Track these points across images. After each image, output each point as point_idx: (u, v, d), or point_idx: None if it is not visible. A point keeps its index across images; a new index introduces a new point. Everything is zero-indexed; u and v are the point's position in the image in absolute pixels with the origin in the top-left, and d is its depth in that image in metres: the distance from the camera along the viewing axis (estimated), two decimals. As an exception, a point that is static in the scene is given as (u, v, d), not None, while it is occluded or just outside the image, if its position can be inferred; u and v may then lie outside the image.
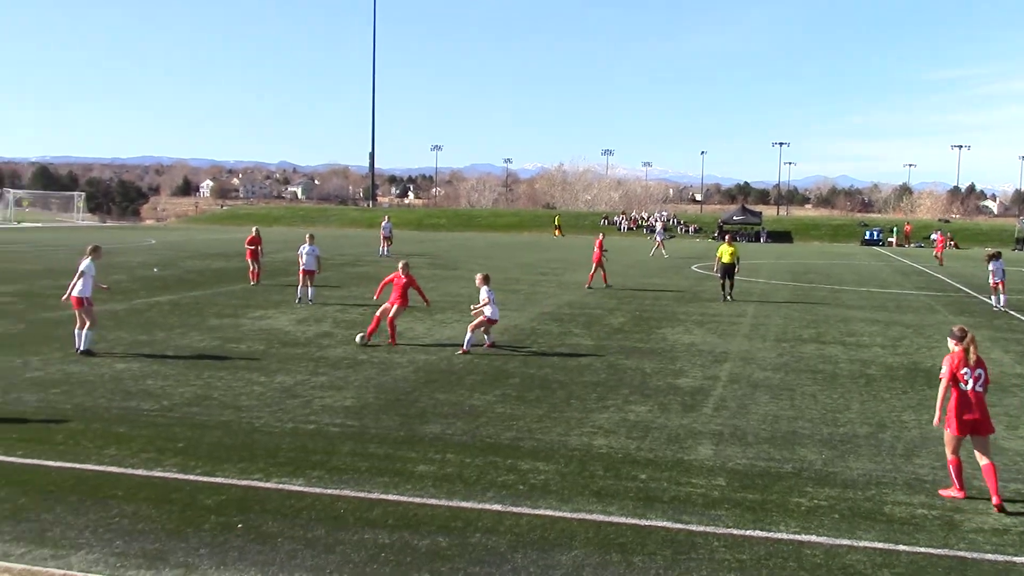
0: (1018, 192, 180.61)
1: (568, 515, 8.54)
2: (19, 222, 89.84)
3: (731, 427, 12.05)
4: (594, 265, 31.77)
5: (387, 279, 18.79)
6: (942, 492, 9.44)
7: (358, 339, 17.97)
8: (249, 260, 29.76)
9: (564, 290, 30.18)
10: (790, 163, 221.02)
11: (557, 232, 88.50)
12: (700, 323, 22.54)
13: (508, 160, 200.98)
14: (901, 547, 7.94)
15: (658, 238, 56.15)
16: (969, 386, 9.34)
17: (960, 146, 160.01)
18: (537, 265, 42.70)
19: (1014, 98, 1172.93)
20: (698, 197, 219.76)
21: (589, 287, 31.08)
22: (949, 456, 9.48)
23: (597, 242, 32.73)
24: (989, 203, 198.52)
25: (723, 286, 28.14)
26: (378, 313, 18.42)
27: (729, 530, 8.26)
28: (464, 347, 17.34)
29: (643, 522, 8.40)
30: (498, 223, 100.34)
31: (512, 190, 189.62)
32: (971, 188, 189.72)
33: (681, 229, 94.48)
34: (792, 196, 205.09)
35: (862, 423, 12.46)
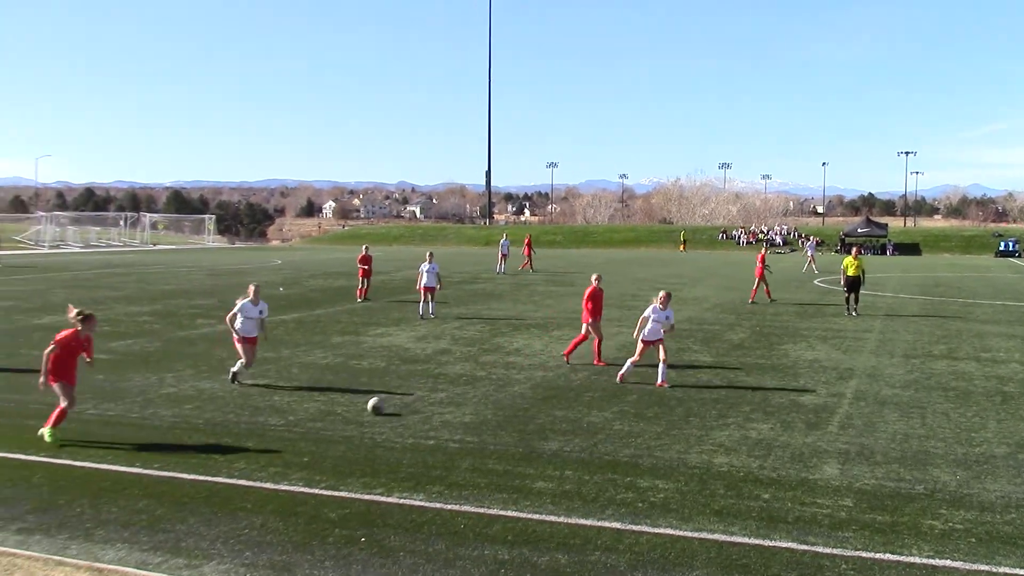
0: None
1: (689, 534, 8.40)
2: (155, 244, 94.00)
3: (858, 446, 11.67)
4: (756, 279, 31.76)
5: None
6: None
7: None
8: (361, 278, 30.63)
9: (683, 305, 29.80)
10: (917, 172, 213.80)
11: (683, 247, 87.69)
12: (824, 339, 21.96)
13: (623, 176, 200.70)
14: (1044, 574, 7.54)
15: (809, 252, 54.50)
16: None
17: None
18: (655, 280, 42.31)
19: None
20: (819, 209, 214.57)
21: (752, 301, 31.11)
22: None
23: (759, 257, 32.72)
24: None
25: (847, 300, 27.42)
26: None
27: (858, 552, 7.98)
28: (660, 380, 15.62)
29: (767, 543, 8.20)
30: (614, 239, 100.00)
31: (628, 205, 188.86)
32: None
33: (801, 242, 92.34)
34: (920, 207, 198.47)
35: (999, 443, 11.90)
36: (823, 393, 15.15)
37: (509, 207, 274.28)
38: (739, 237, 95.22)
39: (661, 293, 16.07)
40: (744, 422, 12.96)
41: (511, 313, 27.04)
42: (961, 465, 10.82)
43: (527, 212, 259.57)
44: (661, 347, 15.79)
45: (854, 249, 30.15)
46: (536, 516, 8.87)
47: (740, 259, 68.79)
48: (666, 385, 15.45)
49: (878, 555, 7.92)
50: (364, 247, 32.26)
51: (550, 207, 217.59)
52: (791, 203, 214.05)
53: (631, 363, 15.91)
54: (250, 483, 9.90)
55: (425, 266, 25.86)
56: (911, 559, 7.84)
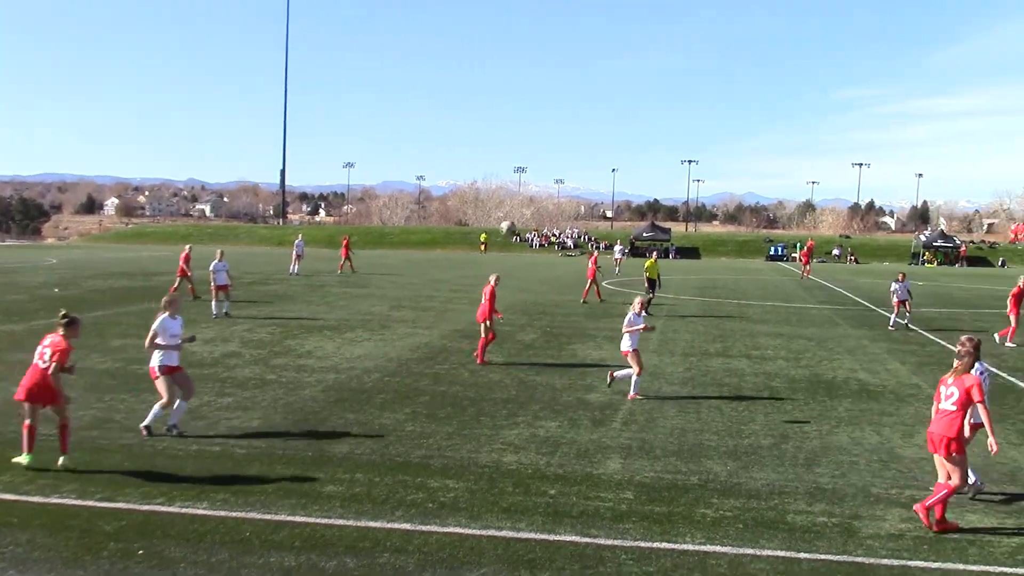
0: (915, 208, 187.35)
1: (477, 532, 8.54)
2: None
3: (639, 441, 12.20)
4: (588, 281, 33.10)
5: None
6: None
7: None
8: (181, 278, 30.49)
9: (476, 307, 30.15)
10: (698, 180, 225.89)
11: (483, 248, 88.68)
12: (610, 339, 22.77)
13: (421, 177, 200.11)
14: (802, 555, 8.15)
15: (618, 255, 56.49)
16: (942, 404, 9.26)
17: (860, 164, 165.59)
18: (451, 282, 42.64)
19: (911, 118, 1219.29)
20: (609, 214, 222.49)
21: (584, 301, 32.37)
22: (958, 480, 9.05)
23: (592, 259, 34.48)
24: (887, 219, 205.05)
25: (649, 300, 28.70)
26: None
27: (636, 543, 8.36)
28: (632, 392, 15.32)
29: (552, 537, 8.45)
30: (411, 240, 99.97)
31: (425, 207, 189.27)
32: (871, 204, 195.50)
33: (592, 246, 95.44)
34: (700, 213, 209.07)
35: (766, 434, 12.74)
36: (608, 391, 15.72)
37: (304, 207, 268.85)
38: (532, 240, 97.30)
39: (637, 299, 16.33)
40: (533, 421, 13.29)
41: (304, 314, 26.58)
42: (731, 456, 11.51)
43: (322, 212, 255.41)
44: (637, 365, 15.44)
45: (653, 253, 32.08)
46: (325, 520, 8.78)
47: (534, 261, 70.36)
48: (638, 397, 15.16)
49: (655, 544, 8.33)
50: (187, 247, 31.90)
51: (346, 207, 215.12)
52: (582, 207, 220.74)
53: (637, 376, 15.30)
54: (16, 497, 9.29)
55: (216, 264, 25.76)
56: (685, 546, 8.29)
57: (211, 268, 25.78)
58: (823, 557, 8.11)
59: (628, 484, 10.22)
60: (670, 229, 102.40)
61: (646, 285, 30.26)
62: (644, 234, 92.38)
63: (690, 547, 8.29)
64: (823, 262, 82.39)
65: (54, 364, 10.34)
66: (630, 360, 15.40)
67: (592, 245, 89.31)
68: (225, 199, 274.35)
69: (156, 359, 11.92)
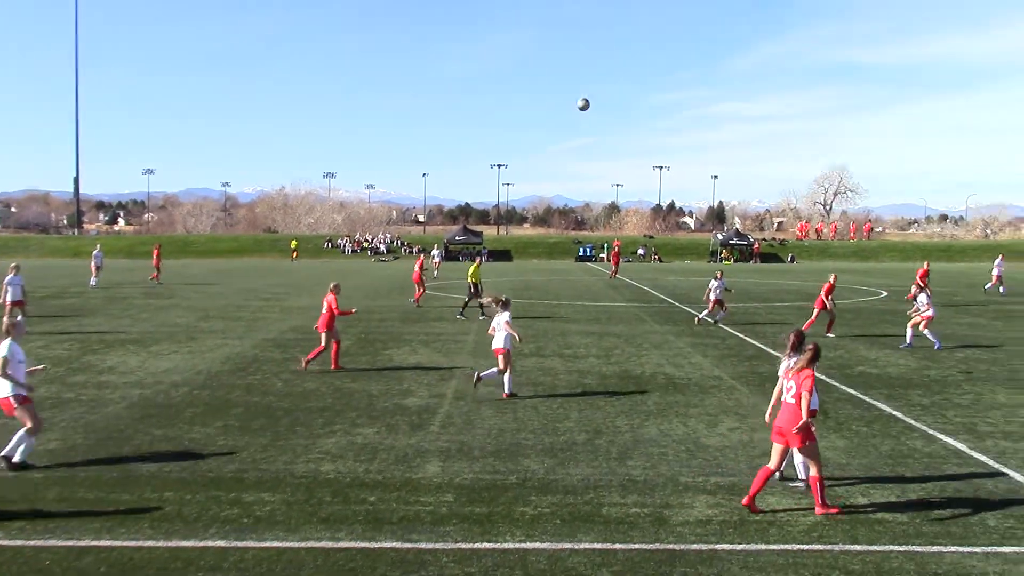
0: (711, 209, 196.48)
1: (296, 545, 8.37)
2: None
3: (458, 443, 12.27)
4: (416, 284, 34.08)
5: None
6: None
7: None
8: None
9: (288, 315, 29.58)
10: (508, 184, 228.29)
11: (294, 256, 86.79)
12: (426, 343, 22.82)
13: (226, 184, 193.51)
14: (617, 545, 8.40)
15: (436, 259, 56.47)
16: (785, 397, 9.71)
17: (661, 167, 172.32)
18: (260, 291, 41.57)
19: (708, 122, 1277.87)
20: (421, 218, 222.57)
21: (418, 305, 32.93)
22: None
23: (418, 263, 35.15)
24: (687, 219, 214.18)
25: (467, 304, 29.90)
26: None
27: (457, 544, 8.41)
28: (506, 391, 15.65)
29: (373, 544, 8.38)
30: (218, 248, 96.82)
31: (231, 214, 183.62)
32: (671, 205, 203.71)
33: (405, 250, 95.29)
34: (511, 216, 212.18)
35: (580, 431, 13.07)
36: (425, 395, 15.74)
37: (101, 216, 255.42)
38: (344, 246, 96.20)
39: (496, 299, 16.45)
40: (351, 428, 13.14)
41: (104, 328, 25.28)
42: (548, 454, 11.75)
43: (121, 221, 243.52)
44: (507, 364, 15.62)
45: (478, 258, 32.56)
46: (133, 543, 8.38)
47: (347, 267, 69.54)
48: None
49: (476, 544, 8.40)
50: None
51: (147, 216, 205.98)
52: (394, 212, 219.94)
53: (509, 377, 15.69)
54: None
55: (10, 278, 24.63)
56: (505, 545, 8.40)
57: (5, 282, 24.54)
58: (637, 546, 8.40)
59: (448, 487, 10.26)
60: (482, 232, 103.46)
61: (471, 290, 30.28)
62: (457, 238, 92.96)
63: (510, 545, 8.41)
64: (629, 261, 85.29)
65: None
66: (500, 359, 15.54)
67: (417, 250, 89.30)
68: (13, 208, 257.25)
69: (8, 388, 10.82)
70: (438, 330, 25.71)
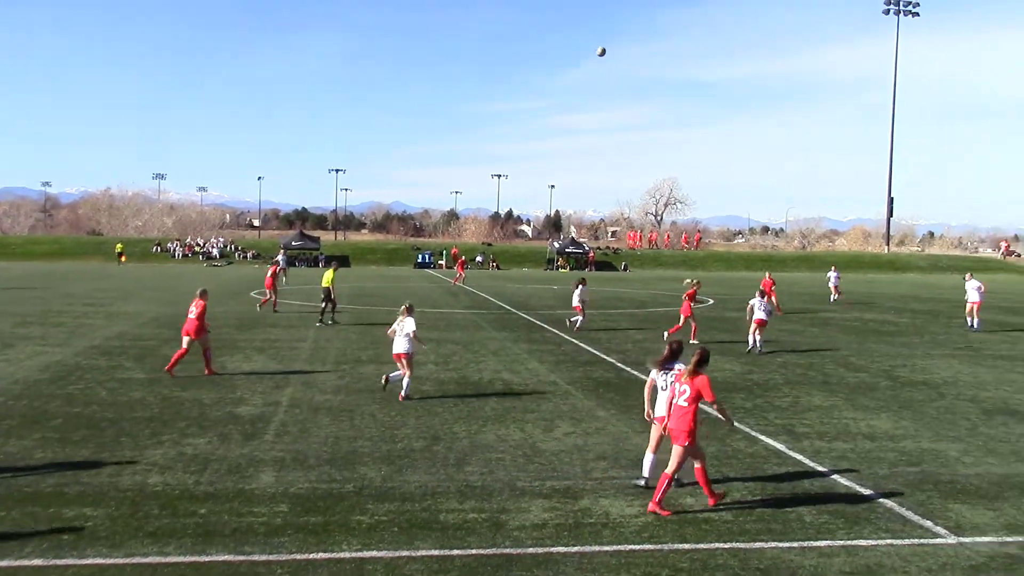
0: (548, 217, 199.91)
1: (120, 561, 8.01)
2: None
3: (293, 452, 12.04)
4: (268, 291, 33.54)
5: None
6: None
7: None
8: None
9: (113, 321, 28.32)
10: (346, 189, 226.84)
11: (121, 259, 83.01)
12: (261, 350, 22.29)
13: (47, 183, 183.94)
14: (455, 552, 8.43)
15: (282, 263, 55.00)
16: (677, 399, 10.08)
17: (499, 175, 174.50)
18: (85, 296, 39.64)
19: (545, 132, 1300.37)
20: (256, 223, 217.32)
21: (276, 311, 32.59)
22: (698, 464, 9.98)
23: (271, 269, 35.13)
24: (525, 227, 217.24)
25: (322, 310, 29.44)
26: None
27: (292, 555, 8.24)
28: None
29: (203, 558, 8.12)
30: (36, 251, 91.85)
31: (52, 216, 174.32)
32: (509, 213, 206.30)
33: (239, 255, 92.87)
34: (349, 221, 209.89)
35: (418, 437, 13.04)
36: (260, 403, 15.37)
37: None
38: (175, 250, 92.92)
39: (404, 306, 16.90)
40: (180, 438, 12.69)
41: (-93, 336, 23.54)
42: (385, 461, 11.67)
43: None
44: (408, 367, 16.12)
45: (333, 263, 32.31)
46: (-61, 565, 7.83)
47: (178, 272, 67.22)
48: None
49: (312, 555, 8.26)
50: None
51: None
52: (228, 216, 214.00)
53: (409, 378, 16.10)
54: None
55: None
56: (341, 555, 8.29)
57: None
58: (474, 552, 8.45)
59: (282, 497, 10.05)
60: (319, 238, 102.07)
61: (322, 296, 29.82)
62: (293, 243, 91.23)
63: (347, 555, 8.30)
64: (467, 269, 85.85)
65: None
66: (404, 363, 15.96)
67: (275, 257, 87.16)
68: None
69: None
70: (273, 336, 25.16)
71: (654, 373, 10.77)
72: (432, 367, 19.87)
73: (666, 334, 25.59)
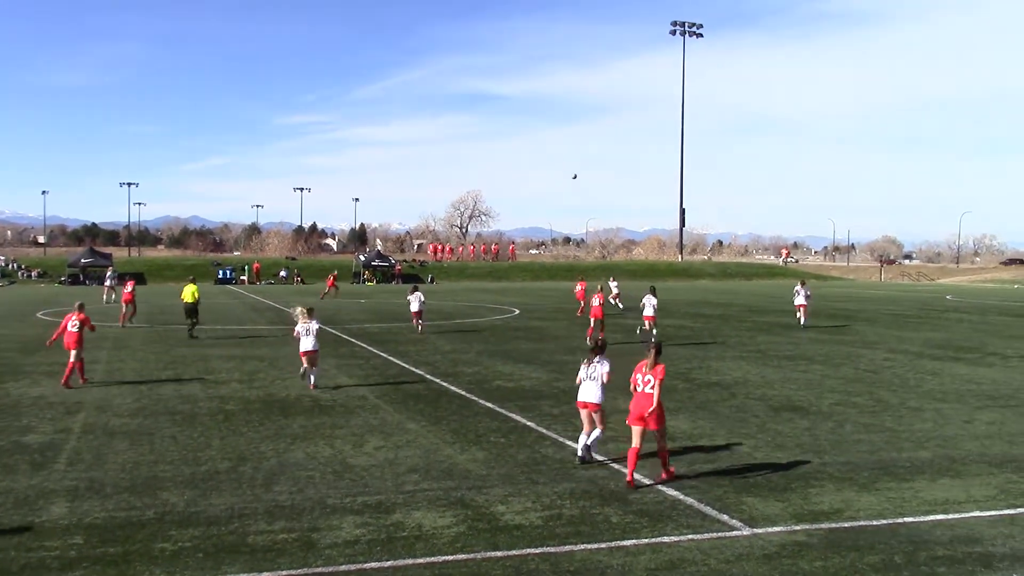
0: (353, 230, 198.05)
1: None
2: None
3: (87, 480, 11.40)
4: (124, 304, 34.68)
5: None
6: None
7: None
8: None
9: None
10: (140, 203, 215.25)
11: None
12: (49, 373, 21.01)
13: None
14: (265, 574, 8.20)
15: (108, 283, 52.12)
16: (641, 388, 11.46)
17: (302, 188, 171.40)
18: None
19: (349, 144, 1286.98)
20: (41, 239, 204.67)
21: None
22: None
23: (130, 284, 36.07)
24: (330, 241, 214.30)
25: (189, 325, 30.12)
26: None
27: (89, 589, 7.81)
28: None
29: (-11, 599, 7.57)
30: None
31: None
32: (313, 227, 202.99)
33: (22, 274, 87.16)
34: (144, 237, 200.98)
35: (223, 459, 12.63)
36: (49, 430, 14.49)
37: None
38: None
39: (299, 308, 19.69)
40: (-41, 472, 11.79)
41: None
42: (189, 485, 11.24)
43: None
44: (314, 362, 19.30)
45: (191, 278, 34.36)
46: None
47: (-50, 293, 62.40)
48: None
49: (110, 588, 7.85)
50: None
51: None
52: (9, 232, 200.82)
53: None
54: None
55: None
56: (143, 585, 7.92)
57: None
58: (285, 573, 8.24)
59: (77, 528, 9.50)
60: (111, 255, 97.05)
61: (185, 311, 30.57)
62: (83, 260, 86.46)
63: (149, 584, 7.94)
64: (271, 283, 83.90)
65: None
66: (306, 360, 19.13)
67: (113, 276, 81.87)
68: None
69: None
70: (63, 359, 23.73)
71: (582, 367, 12.62)
72: (237, 385, 19.30)
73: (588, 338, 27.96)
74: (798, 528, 9.69)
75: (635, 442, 11.41)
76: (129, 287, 35.56)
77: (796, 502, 10.68)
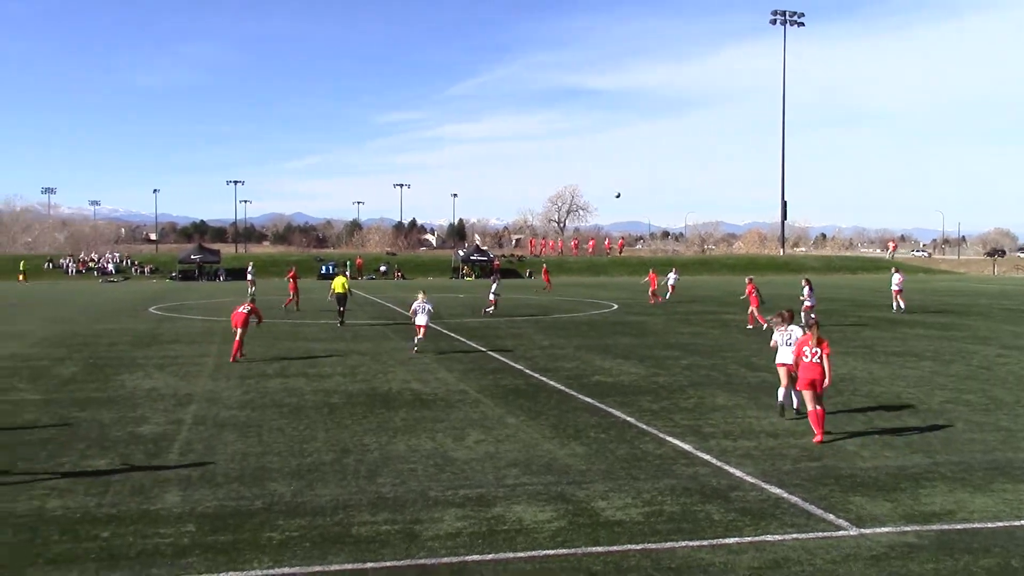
0: (452, 226, 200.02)
1: (20, 589, 7.72)
2: None
3: (199, 470, 11.76)
4: (291, 294, 41.11)
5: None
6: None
7: None
8: None
9: (5, 342, 27.28)
10: (246, 201, 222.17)
11: (22, 278, 79.84)
12: (161, 366, 21.75)
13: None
14: (368, 564, 8.35)
15: (250, 276, 55.04)
16: (807, 358, 13.41)
17: (402, 185, 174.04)
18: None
19: (447, 141, 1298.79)
20: (153, 236, 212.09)
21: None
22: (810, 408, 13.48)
23: (291, 273, 43.17)
24: (429, 236, 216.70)
25: (339, 312, 32.81)
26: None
27: (202, 575, 8.06)
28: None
29: (108, 583, 7.87)
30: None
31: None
32: (413, 223, 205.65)
33: (136, 270, 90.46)
34: (250, 233, 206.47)
35: (328, 450, 12.89)
36: (162, 421, 15.00)
37: None
38: (67, 266, 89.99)
39: (420, 293, 24.36)
40: (79, 460, 12.29)
41: None
42: (295, 476, 11.50)
43: None
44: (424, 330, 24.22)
45: (340, 269, 35.61)
46: None
47: (73, 289, 65.15)
48: None
49: (221, 574, 8.08)
50: None
51: None
52: (123, 230, 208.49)
53: None
54: None
55: None
56: (252, 573, 8.13)
57: None
58: (388, 564, 8.38)
59: (189, 516, 9.81)
60: (219, 251, 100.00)
61: (336, 300, 32.89)
62: (192, 256, 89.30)
63: (257, 572, 8.15)
64: (372, 279, 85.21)
65: None
66: (422, 332, 24.18)
67: (249, 271, 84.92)
68: None
69: None
70: (174, 353, 24.58)
71: (776, 333, 14.99)
72: (340, 379, 19.67)
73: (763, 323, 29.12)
74: (908, 529, 9.41)
75: (810, 405, 13.40)
76: (291, 276, 42.35)
77: (906, 502, 10.37)
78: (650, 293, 46.56)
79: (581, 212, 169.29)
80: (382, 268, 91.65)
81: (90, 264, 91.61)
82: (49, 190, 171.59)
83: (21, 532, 9.26)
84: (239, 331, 23.01)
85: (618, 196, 35.45)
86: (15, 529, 9.34)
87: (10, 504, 10.23)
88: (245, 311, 23.21)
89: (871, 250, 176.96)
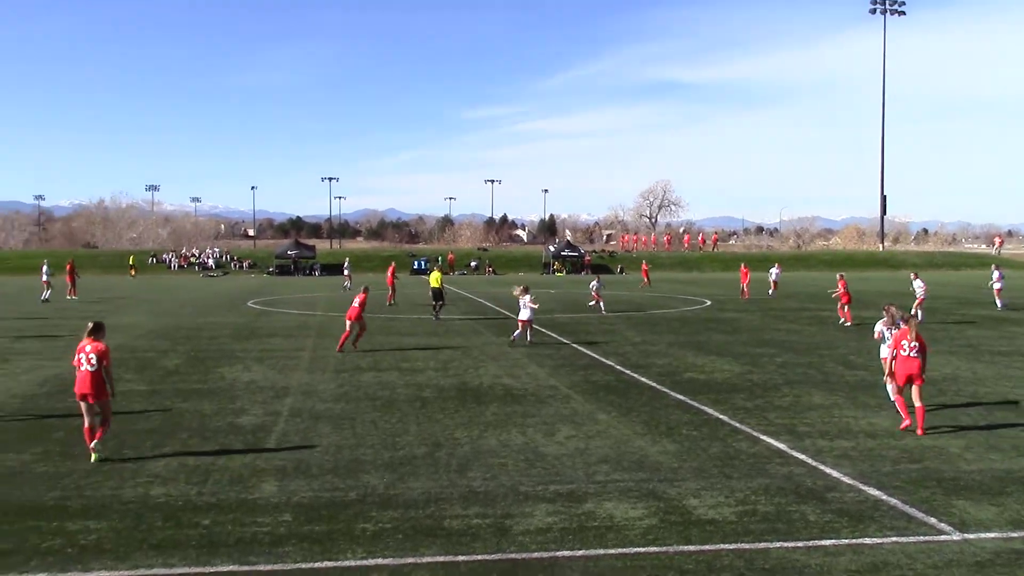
0: (543, 221, 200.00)
1: (126, 573, 8.00)
2: None
3: (295, 461, 12.02)
4: (390, 288, 41.68)
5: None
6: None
7: None
8: None
9: (114, 333, 28.23)
10: (340, 197, 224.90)
11: (132, 272, 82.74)
12: (259, 359, 22.27)
13: (40, 197, 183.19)
14: (460, 557, 8.42)
15: (346, 271, 59.53)
16: (905, 352, 13.55)
17: (493, 180, 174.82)
18: (83, 309, 39.54)
19: (537, 136, 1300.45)
20: (251, 232, 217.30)
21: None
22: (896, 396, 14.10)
23: (390, 269, 44.34)
24: (520, 232, 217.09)
25: (434, 307, 33.43)
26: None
27: (297, 565, 8.23)
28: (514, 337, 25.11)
29: (208, 569, 8.10)
30: (31, 264, 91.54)
31: (46, 229, 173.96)
32: (504, 218, 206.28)
33: (235, 265, 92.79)
34: (344, 229, 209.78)
35: (420, 444, 13.03)
36: (260, 413, 15.36)
37: None
38: (170, 260, 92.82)
39: (519, 287, 25.56)
40: (181, 449, 12.67)
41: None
42: (388, 468, 11.66)
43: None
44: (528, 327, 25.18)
45: (436, 264, 40.79)
46: (-57, 581, 7.82)
47: (175, 283, 67.15)
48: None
49: (316, 564, 8.24)
50: None
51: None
52: (222, 226, 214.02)
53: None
54: None
55: None
56: (346, 563, 8.28)
57: None
58: (479, 557, 8.44)
59: (286, 506, 10.03)
60: (315, 246, 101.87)
61: (432, 295, 33.39)
62: (288, 252, 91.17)
63: (351, 563, 8.29)
64: (464, 274, 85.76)
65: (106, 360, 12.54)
66: (523, 326, 25.08)
67: (344, 265, 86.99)
68: None
69: None
70: (271, 346, 25.14)
71: (881, 327, 16.01)
72: (432, 373, 19.86)
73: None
74: (1015, 535, 9.07)
75: (916, 400, 13.49)
76: (390, 272, 43.40)
77: (1012, 507, 10.00)
78: (743, 287, 46.36)
79: (673, 207, 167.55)
80: (473, 264, 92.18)
81: (191, 259, 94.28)
82: (153, 187, 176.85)
83: (127, 518, 9.58)
84: (349, 323, 23.84)
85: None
86: (121, 515, 9.68)
87: (117, 490, 10.60)
88: (357, 304, 24.04)
89: (976, 245, 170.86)
